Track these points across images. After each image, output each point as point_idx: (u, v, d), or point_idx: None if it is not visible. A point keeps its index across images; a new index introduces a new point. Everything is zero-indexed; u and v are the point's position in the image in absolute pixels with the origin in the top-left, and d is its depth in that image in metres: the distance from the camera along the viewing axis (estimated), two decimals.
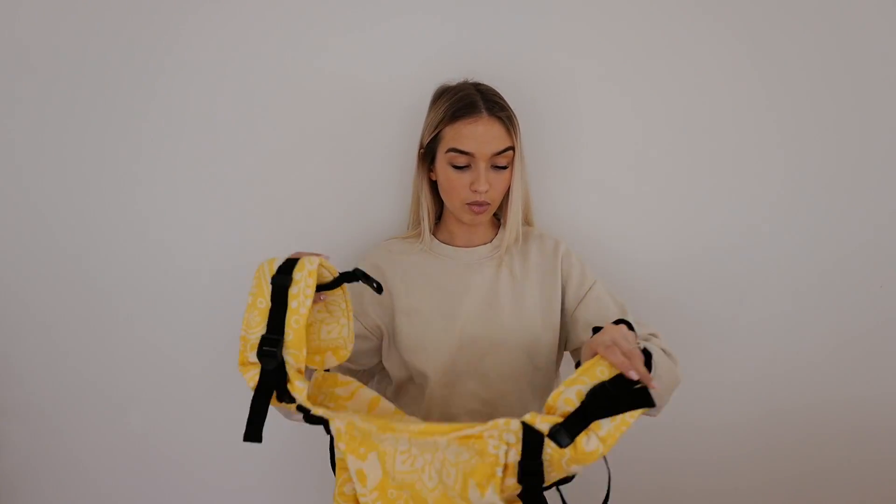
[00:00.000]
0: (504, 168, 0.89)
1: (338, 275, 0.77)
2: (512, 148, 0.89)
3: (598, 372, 0.65)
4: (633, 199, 1.16)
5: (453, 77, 0.96)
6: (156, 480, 1.30)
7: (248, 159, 1.12)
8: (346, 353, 0.80)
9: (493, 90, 0.92)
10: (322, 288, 0.76)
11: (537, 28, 1.08)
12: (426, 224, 0.98)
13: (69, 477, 1.29)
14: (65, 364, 1.23)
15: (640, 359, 0.64)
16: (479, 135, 0.86)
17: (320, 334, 0.80)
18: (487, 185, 0.87)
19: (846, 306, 1.22)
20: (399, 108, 1.08)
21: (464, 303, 0.93)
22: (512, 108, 0.91)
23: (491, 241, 0.98)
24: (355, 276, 0.76)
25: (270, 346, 0.69)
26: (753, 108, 1.12)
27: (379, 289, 0.77)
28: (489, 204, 0.90)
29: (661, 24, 1.08)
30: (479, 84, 0.93)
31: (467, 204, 0.90)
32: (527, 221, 1.02)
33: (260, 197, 1.14)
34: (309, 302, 0.70)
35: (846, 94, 1.11)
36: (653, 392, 0.62)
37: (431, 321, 0.93)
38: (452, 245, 0.98)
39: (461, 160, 0.87)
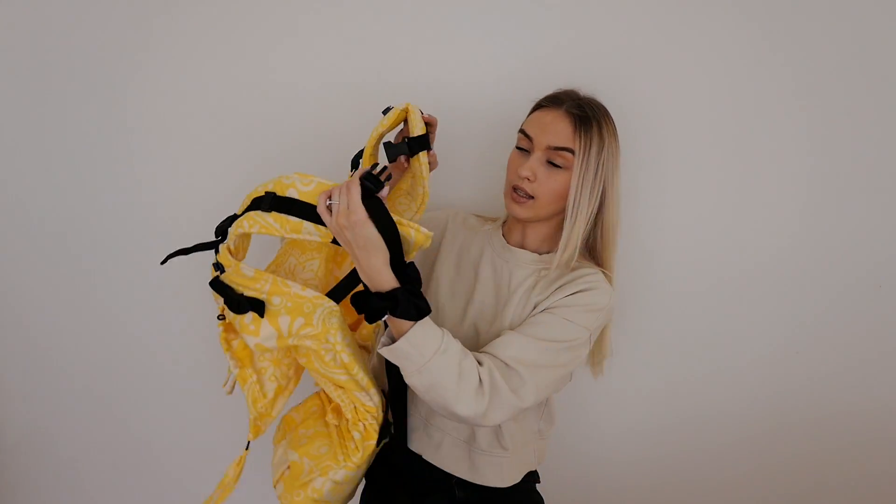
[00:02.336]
0: (559, 168, 0.85)
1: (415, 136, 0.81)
2: (571, 151, 0.84)
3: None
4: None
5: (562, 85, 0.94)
6: (149, 480, 1.32)
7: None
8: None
9: (593, 102, 0.88)
10: (414, 145, 0.81)
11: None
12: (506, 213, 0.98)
13: (65, 475, 1.32)
14: (56, 363, 1.25)
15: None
16: (544, 123, 0.86)
17: (397, 205, 0.89)
18: (530, 172, 0.85)
19: (844, 306, 1.22)
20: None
21: (480, 291, 0.93)
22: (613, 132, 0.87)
23: (538, 254, 0.93)
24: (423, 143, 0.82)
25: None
26: (755, 109, 1.11)
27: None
28: (532, 198, 0.86)
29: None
30: (585, 97, 0.89)
31: (512, 188, 0.88)
32: (601, 262, 0.93)
33: None
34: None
35: (846, 94, 1.10)
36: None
37: (446, 294, 0.94)
38: (508, 241, 0.96)
39: (523, 142, 0.88)
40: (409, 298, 0.73)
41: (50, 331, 1.24)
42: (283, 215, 0.72)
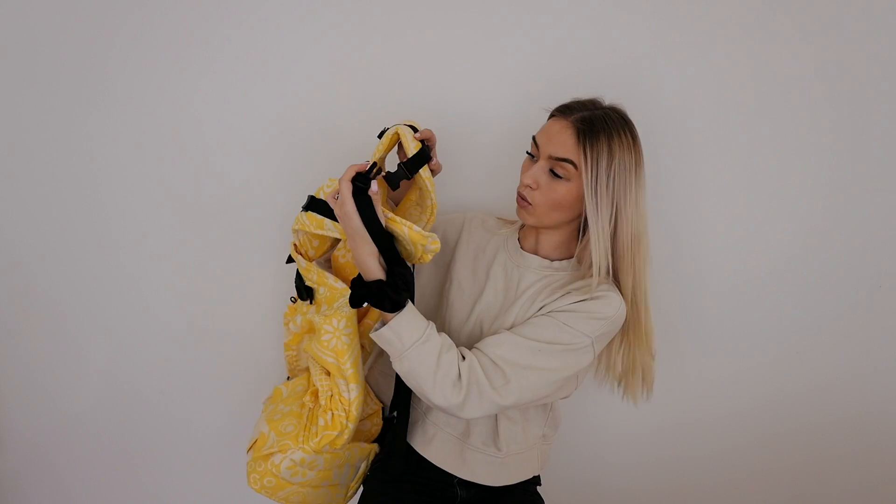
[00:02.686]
0: (560, 178, 0.84)
1: (411, 155, 0.84)
2: (573, 163, 0.82)
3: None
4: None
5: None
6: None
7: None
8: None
9: (609, 114, 0.84)
10: (409, 166, 0.84)
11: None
12: None
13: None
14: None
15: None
16: (550, 132, 0.85)
17: (408, 216, 0.96)
18: (532, 180, 0.85)
19: (846, 306, 1.21)
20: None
21: (489, 292, 0.94)
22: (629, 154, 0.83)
23: (550, 260, 0.93)
24: (423, 157, 0.84)
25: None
26: (754, 106, 1.11)
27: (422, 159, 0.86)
28: (532, 205, 0.87)
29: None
30: (611, 107, 0.87)
31: (518, 192, 0.89)
32: (615, 279, 0.89)
33: None
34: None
35: (846, 93, 1.10)
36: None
37: (457, 292, 0.97)
38: (522, 245, 0.97)
39: (532, 149, 0.89)
40: (384, 291, 0.79)
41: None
42: (313, 214, 0.86)
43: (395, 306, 0.80)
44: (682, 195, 1.15)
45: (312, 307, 0.93)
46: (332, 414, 0.87)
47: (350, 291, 0.85)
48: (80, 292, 1.18)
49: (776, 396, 1.27)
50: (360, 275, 0.82)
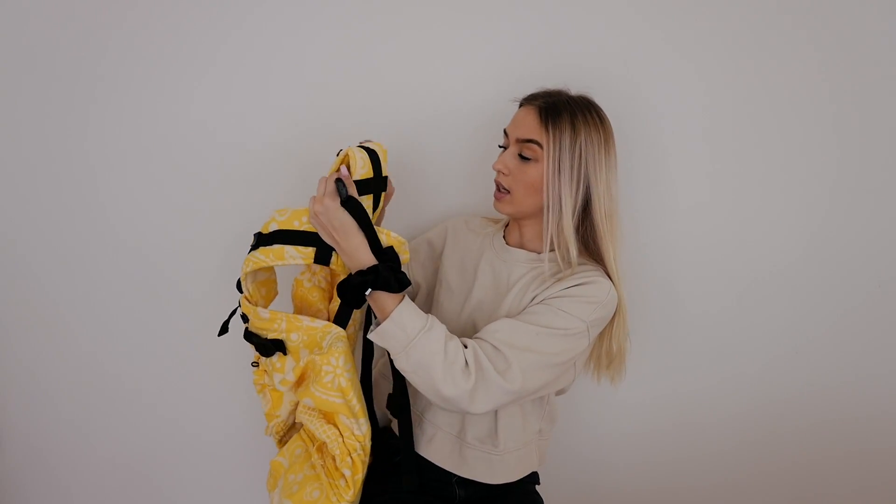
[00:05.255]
0: (530, 160, 0.86)
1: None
2: (538, 143, 0.85)
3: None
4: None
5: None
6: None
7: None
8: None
9: (575, 98, 0.87)
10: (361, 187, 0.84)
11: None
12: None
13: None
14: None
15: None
16: (517, 119, 0.90)
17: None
18: (503, 165, 0.89)
19: (845, 306, 1.21)
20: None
21: (478, 289, 0.94)
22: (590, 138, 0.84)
23: (537, 254, 0.93)
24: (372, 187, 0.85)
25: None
26: (752, 104, 1.11)
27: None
28: (508, 192, 0.89)
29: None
30: (578, 95, 0.89)
31: (495, 184, 0.92)
32: (599, 260, 0.91)
33: None
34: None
35: (846, 92, 1.10)
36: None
37: (446, 292, 0.98)
38: (507, 241, 0.98)
39: (503, 139, 0.92)
40: (388, 271, 0.79)
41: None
42: (267, 247, 0.81)
43: (402, 284, 0.79)
44: (681, 196, 1.15)
45: (287, 358, 0.86)
46: (352, 458, 0.85)
47: (332, 324, 0.84)
48: (81, 292, 1.19)
49: (775, 397, 1.26)
50: (346, 278, 0.81)
